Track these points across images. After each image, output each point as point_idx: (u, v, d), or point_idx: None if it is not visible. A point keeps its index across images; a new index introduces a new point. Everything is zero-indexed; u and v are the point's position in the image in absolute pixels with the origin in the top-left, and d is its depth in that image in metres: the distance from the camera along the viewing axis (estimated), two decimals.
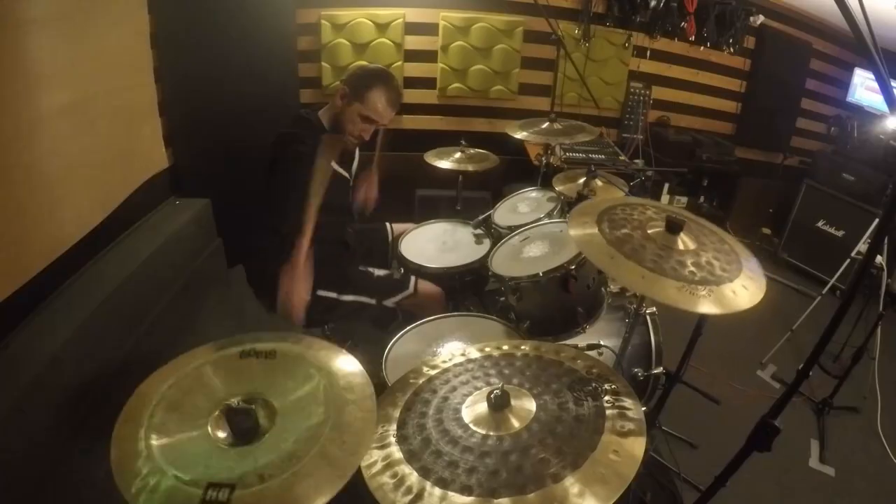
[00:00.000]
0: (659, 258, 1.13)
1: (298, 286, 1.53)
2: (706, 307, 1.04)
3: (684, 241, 1.19)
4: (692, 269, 1.12)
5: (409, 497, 0.81)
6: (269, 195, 1.69)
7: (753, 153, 4.04)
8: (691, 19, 3.52)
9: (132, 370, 1.92)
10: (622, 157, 3.30)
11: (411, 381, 1.09)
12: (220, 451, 0.84)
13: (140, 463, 0.81)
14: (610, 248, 1.16)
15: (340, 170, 1.83)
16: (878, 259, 2.31)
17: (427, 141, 2.80)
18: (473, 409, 0.97)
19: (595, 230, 1.21)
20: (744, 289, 1.10)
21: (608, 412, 0.91)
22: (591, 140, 2.57)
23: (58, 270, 1.84)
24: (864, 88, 3.74)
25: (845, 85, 3.89)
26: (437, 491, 0.81)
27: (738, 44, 3.64)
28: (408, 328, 1.65)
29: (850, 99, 3.85)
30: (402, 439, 0.93)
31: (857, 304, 2.57)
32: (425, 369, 1.12)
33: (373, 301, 1.87)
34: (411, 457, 0.89)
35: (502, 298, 1.84)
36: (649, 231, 1.22)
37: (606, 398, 0.94)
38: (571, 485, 0.78)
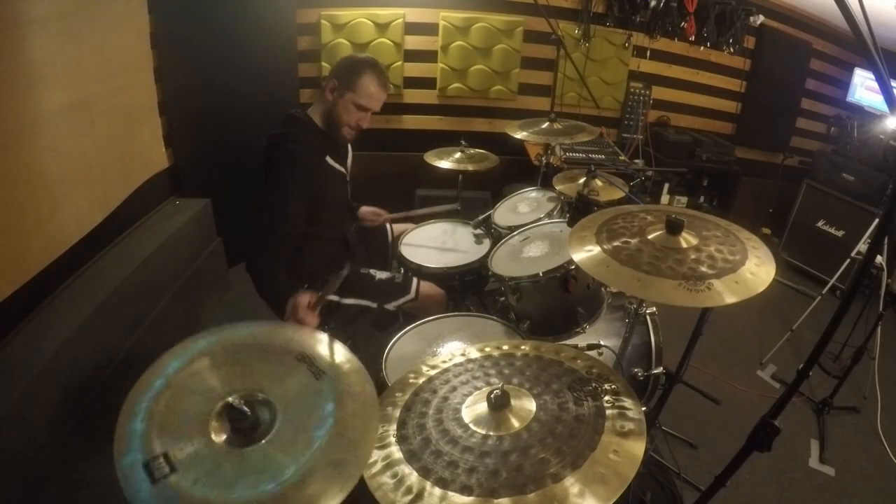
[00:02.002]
0: (656, 260, 1.13)
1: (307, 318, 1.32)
2: (713, 300, 1.03)
3: (686, 239, 1.19)
4: (692, 265, 1.11)
5: (409, 497, 0.81)
6: (266, 197, 1.67)
7: (753, 153, 4.05)
8: (691, 19, 3.52)
9: (132, 369, 1.92)
10: (622, 157, 3.30)
11: (411, 381, 1.09)
12: (208, 440, 0.83)
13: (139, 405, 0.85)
14: (606, 256, 1.17)
15: (336, 165, 1.82)
16: (878, 259, 2.30)
17: (427, 141, 2.81)
18: (473, 409, 0.97)
19: (593, 245, 1.22)
20: (751, 275, 1.09)
21: (608, 412, 0.91)
22: (591, 140, 2.57)
23: (58, 270, 1.84)
24: (864, 88, 3.74)
25: (845, 85, 3.88)
26: (437, 491, 0.81)
27: (738, 44, 3.65)
28: (408, 328, 1.65)
29: (850, 99, 3.84)
30: (402, 439, 0.93)
31: (857, 304, 2.57)
32: (425, 369, 1.12)
33: (374, 305, 1.86)
34: (411, 457, 0.89)
35: (502, 298, 1.84)
36: (649, 236, 1.22)
37: (606, 398, 0.94)
38: (571, 485, 0.78)
